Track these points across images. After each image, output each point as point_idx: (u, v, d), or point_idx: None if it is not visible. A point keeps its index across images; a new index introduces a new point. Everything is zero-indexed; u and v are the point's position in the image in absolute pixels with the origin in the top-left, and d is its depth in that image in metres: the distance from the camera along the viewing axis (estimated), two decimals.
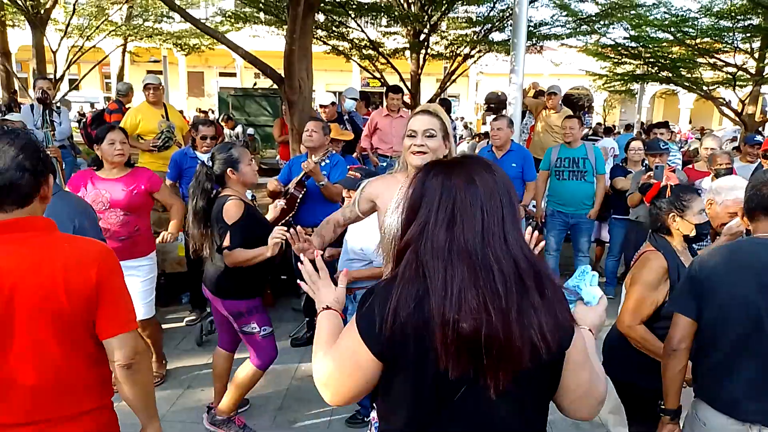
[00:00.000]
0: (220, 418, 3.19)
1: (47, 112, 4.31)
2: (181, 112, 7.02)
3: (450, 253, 1.17)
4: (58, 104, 7.48)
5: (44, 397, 1.48)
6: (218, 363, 3.29)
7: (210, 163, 2.97)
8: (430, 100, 12.08)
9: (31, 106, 6.16)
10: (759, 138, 4.58)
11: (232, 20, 12.16)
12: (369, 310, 1.22)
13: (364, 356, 1.22)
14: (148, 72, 11.47)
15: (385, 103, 6.62)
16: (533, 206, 5.61)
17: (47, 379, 1.48)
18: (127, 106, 6.55)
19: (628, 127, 14.43)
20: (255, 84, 17.17)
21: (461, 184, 1.22)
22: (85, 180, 3.49)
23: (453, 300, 1.14)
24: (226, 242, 2.87)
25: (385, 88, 8.38)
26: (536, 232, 1.79)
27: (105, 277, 1.53)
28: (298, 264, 1.54)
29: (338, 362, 1.26)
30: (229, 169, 2.96)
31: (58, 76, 13.21)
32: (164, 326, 4.09)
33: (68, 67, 14.25)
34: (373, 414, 1.50)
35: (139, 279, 3.52)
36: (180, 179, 4.63)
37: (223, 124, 10.67)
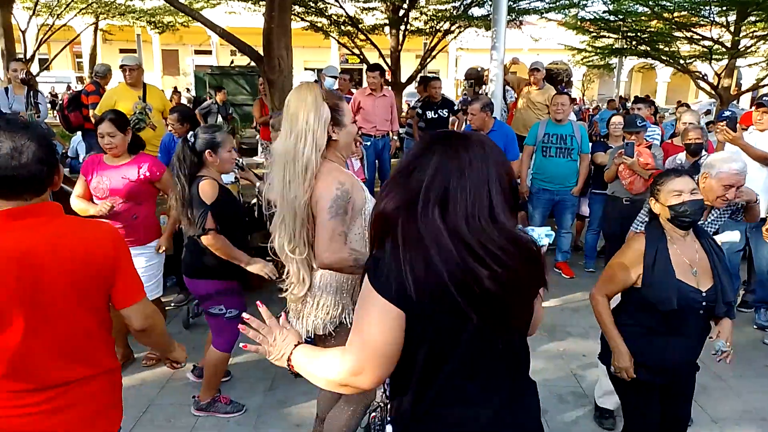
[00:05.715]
0: (204, 403, 3.21)
1: (32, 94, 4.19)
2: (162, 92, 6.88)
3: (447, 232, 1.25)
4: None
5: (67, 362, 1.64)
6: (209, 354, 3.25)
7: (192, 140, 2.95)
8: (411, 77, 12.01)
9: (6, 89, 5.98)
10: (727, 113, 4.67)
11: None
12: (384, 276, 1.30)
13: (392, 314, 1.30)
14: (121, 51, 11.18)
15: (365, 82, 6.58)
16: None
17: (71, 345, 1.65)
18: (105, 87, 6.41)
19: (611, 102, 14.51)
20: (232, 62, 16.89)
21: (455, 170, 1.29)
22: (93, 166, 3.47)
23: (461, 265, 1.24)
24: (210, 223, 2.84)
25: (364, 65, 8.30)
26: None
27: (118, 254, 1.71)
28: (240, 327, 1.53)
29: (367, 334, 1.33)
30: (208, 151, 2.94)
31: (28, 57, 12.84)
32: None
33: (38, 47, 13.87)
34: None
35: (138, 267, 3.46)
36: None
37: (217, 96, 10.32)
